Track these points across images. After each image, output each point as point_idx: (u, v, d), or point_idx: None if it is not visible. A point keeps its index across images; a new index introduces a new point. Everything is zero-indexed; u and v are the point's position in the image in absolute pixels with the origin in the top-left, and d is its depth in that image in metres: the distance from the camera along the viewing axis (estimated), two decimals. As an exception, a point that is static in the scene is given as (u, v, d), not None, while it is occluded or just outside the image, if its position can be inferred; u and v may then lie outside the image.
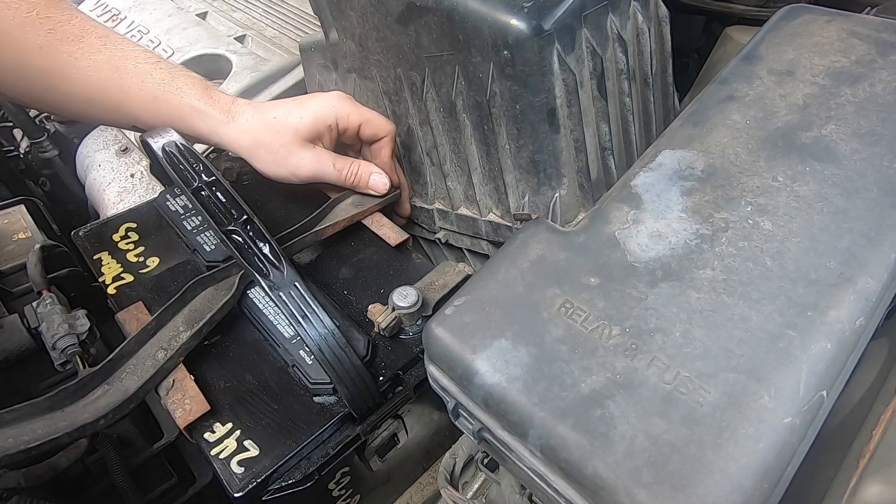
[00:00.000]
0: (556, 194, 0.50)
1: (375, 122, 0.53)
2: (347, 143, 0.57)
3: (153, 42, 0.91)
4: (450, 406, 0.35)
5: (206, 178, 0.46)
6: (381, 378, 0.43)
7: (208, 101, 0.50)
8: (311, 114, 0.51)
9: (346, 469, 0.48)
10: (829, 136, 0.36)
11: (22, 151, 1.05)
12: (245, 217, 0.45)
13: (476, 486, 0.49)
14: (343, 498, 0.49)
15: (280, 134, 0.50)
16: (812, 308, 0.29)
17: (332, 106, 0.52)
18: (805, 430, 0.26)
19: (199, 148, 0.52)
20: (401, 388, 0.44)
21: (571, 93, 0.47)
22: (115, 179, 0.83)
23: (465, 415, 0.34)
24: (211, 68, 0.86)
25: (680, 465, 0.25)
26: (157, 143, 0.48)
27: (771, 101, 0.39)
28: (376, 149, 0.55)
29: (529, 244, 0.35)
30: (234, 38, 0.89)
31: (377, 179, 0.54)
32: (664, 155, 0.37)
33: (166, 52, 0.88)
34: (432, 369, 0.35)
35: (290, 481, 0.38)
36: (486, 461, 0.45)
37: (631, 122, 0.54)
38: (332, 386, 0.41)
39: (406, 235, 0.54)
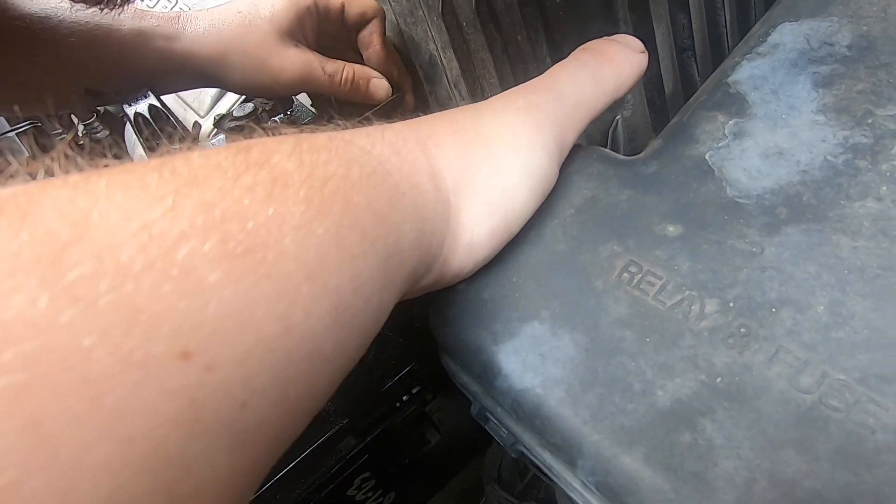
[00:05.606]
0: (618, 116, 0.38)
1: (361, 0, 0.42)
2: (332, 36, 0.45)
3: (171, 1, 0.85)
4: (474, 409, 0.26)
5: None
6: (388, 383, 0.34)
7: (149, 18, 0.40)
8: None
9: (367, 474, 0.41)
10: None
11: (80, 135, 1.05)
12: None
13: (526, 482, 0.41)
14: (373, 499, 0.42)
15: (252, 29, 0.40)
16: None
17: None
18: None
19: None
20: (418, 389, 0.36)
21: (634, -29, 0.34)
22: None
23: (494, 420, 0.25)
24: None
25: (836, 534, 0.15)
26: (130, 110, 0.41)
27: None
28: (366, 37, 0.43)
29: (574, 182, 0.24)
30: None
31: (377, 84, 0.43)
32: (782, 30, 0.25)
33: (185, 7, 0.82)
34: (448, 362, 0.26)
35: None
36: (539, 459, 0.37)
37: (720, 12, 0.40)
38: None
39: None
